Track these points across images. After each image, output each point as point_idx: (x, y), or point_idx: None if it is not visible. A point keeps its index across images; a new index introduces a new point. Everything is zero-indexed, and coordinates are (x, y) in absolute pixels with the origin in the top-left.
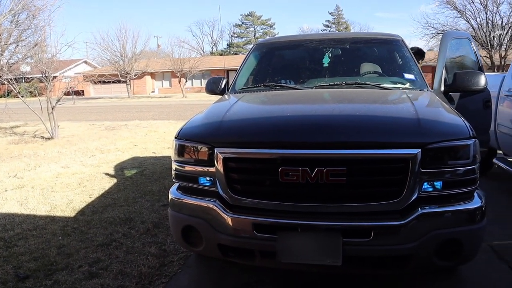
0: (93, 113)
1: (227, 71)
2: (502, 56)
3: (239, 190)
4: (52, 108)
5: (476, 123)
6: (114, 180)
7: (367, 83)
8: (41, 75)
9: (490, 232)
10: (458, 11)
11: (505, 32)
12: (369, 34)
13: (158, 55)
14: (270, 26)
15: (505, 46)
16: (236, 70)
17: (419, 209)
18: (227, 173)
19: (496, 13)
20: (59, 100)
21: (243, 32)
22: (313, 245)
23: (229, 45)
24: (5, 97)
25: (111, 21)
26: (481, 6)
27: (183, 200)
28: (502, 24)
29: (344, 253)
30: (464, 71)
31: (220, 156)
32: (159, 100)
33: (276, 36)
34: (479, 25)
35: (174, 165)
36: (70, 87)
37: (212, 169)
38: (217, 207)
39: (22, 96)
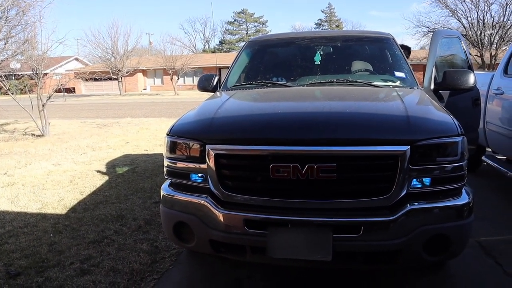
0: (84, 110)
1: (219, 68)
2: (493, 55)
3: (230, 187)
4: (43, 106)
5: (465, 121)
6: (106, 178)
7: (358, 80)
8: (32, 72)
9: (478, 229)
10: (450, 10)
11: (495, 31)
12: (361, 32)
13: (150, 52)
14: (263, 24)
15: (495, 45)
16: (228, 68)
17: (408, 205)
18: (218, 170)
19: (487, 12)
20: (49, 97)
21: (235, 30)
22: (304, 241)
23: (222, 42)
24: None
25: (103, 18)
26: (472, 5)
27: (175, 197)
28: (493, 23)
29: (334, 248)
30: (454, 70)
31: (212, 153)
32: (151, 97)
33: (268, 33)
34: (470, 24)
35: (166, 162)
36: (61, 84)
37: (203, 166)
38: (208, 203)
39: (12, 93)
